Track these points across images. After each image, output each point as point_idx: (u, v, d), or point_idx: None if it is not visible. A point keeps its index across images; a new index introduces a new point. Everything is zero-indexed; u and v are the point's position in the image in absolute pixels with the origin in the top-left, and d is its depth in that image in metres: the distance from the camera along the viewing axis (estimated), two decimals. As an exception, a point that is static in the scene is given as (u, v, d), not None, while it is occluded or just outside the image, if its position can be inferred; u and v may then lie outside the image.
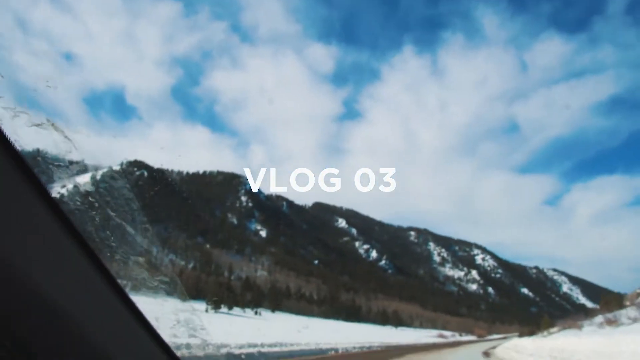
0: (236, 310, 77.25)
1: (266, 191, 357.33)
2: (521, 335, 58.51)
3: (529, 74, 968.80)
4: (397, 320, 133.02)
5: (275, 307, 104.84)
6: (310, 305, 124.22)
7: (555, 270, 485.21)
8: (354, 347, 25.68)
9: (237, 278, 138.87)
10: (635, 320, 28.47)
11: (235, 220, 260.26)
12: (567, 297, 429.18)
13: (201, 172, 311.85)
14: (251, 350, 15.31)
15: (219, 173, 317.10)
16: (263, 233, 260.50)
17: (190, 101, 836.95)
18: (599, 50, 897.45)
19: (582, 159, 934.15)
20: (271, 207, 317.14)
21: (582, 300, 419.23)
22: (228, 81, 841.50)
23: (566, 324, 41.84)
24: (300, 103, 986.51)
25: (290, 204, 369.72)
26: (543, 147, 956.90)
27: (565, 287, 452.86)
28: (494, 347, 39.52)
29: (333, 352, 21.40)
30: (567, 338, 27.35)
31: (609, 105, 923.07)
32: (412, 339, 47.72)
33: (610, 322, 31.00)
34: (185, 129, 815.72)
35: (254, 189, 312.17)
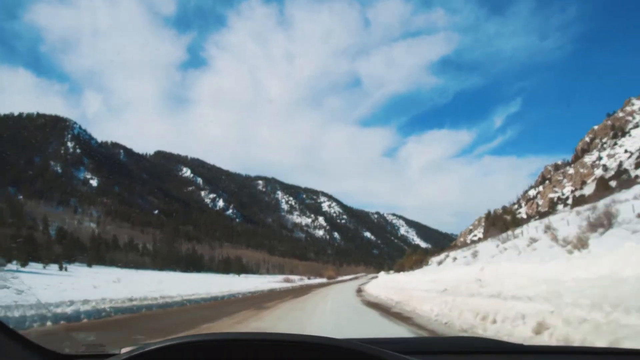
0: (33, 266, 61.75)
1: (100, 138, 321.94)
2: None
3: (371, 30, 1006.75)
4: (240, 268, 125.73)
5: (95, 261, 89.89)
6: (142, 257, 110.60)
7: (394, 214, 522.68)
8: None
9: (58, 231, 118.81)
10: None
11: (59, 169, 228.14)
12: (404, 239, 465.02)
13: (16, 114, 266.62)
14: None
15: (40, 116, 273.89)
16: (94, 182, 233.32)
17: (7, 38, 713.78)
18: (433, 12, 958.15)
19: (417, 114, 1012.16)
20: (105, 155, 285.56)
21: (417, 241, 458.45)
22: (55, 17, 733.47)
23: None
24: (140, 47, 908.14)
25: (129, 152, 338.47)
26: (383, 102, 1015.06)
27: (403, 230, 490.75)
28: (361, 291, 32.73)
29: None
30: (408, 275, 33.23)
31: (439, 66, 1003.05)
32: (251, 287, 38.73)
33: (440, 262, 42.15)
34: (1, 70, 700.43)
35: (84, 135, 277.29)
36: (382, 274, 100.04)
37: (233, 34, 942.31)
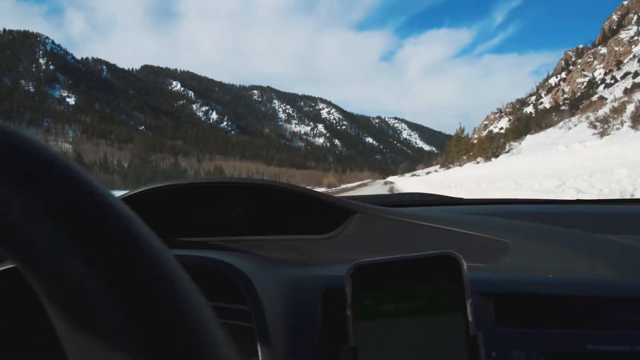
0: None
1: (80, 55, 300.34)
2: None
3: None
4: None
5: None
6: (110, 175, 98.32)
7: (396, 118, 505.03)
8: None
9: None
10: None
11: (31, 88, 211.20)
12: (407, 143, 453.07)
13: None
14: None
15: (7, 32, 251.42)
16: (71, 100, 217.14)
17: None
18: None
19: (414, 13, 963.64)
20: (84, 72, 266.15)
21: (420, 144, 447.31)
22: None
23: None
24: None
25: (113, 67, 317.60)
26: (378, 2, 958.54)
27: (405, 134, 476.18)
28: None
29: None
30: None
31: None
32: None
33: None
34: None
35: (58, 51, 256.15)
36: (395, 177, 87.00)
37: None
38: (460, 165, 34.28)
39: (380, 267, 0.55)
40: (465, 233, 0.88)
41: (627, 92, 61.23)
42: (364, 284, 0.54)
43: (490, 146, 25.43)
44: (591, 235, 0.91)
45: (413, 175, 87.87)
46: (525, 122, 26.48)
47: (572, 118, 33.90)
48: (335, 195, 1.02)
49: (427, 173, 67.11)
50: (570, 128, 27.25)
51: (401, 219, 0.94)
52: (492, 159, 23.46)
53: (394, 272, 0.52)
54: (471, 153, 41.73)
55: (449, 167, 42.68)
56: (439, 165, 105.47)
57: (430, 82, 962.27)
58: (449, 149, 54.75)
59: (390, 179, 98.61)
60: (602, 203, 1.35)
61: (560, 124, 32.01)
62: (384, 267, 0.53)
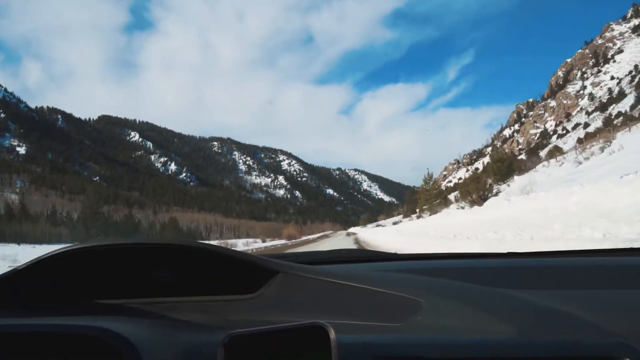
0: None
1: (35, 104, 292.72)
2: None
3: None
4: (177, 233, 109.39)
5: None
6: (56, 228, 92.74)
7: (356, 170, 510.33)
8: None
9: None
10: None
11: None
12: (367, 194, 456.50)
13: None
14: None
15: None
16: (21, 150, 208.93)
17: None
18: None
19: (372, 69, 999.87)
20: (38, 120, 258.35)
21: (381, 195, 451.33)
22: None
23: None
24: (78, 9, 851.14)
25: (68, 117, 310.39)
26: (337, 58, 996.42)
27: (365, 185, 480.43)
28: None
29: None
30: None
31: (392, 18, 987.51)
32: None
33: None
34: None
35: (10, 98, 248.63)
36: (357, 229, 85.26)
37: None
38: (435, 213, 32.95)
39: (254, 337, 0.60)
40: (382, 292, 0.87)
41: (580, 141, 63.43)
42: (239, 355, 0.58)
43: (476, 188, 23.64)
44: (497, 291, 0.92)
45: (378, 226, 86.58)
46: (509, 162, 25.08)
47: (550, 160, 33.68)
48: (259, 255, 1.04)
49: (394, 223, 66.00)
50: (550, 175, 26.45)
51: (323, 278, 0.94)
52: (479, 203, 21.87)
53: (269, 342, 0.54)
54: (438, 200, 40.61)
55: (421, 216, 41.22)
56: (402, 216, 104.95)
57: (388, 134, 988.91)
58: (418, 196, 53.63)
59: (352, 230, 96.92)
60: (522, 256, 1.38)
61: (538, 166, 31.65)
62: (259, 337, 0.55)
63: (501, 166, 23.99)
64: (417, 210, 50.68)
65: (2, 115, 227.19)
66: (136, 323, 0.80)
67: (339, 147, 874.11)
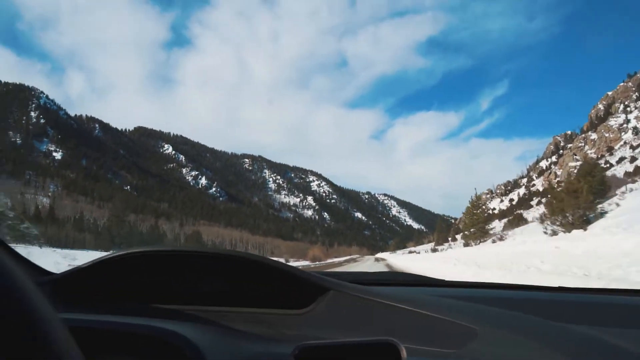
0: None
1: (75, 112, 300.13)
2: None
3: (357, 9, 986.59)
4: (198, 244, 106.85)
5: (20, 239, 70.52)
6: (81, 233, 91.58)
7: (385, 195, 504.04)
8: None
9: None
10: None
11: (19, 140, 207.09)
12: (396, 220, 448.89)
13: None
14: None
15: (2, 84, 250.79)
16: (57, 155, 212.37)
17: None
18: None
19: (404, 95, 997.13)
20: (75, 128, 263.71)
21: (409, 221, 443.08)
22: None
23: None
24: (122, 24, 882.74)
25: (106, 126, 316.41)
26: (370, 83, 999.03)
27: (394, 211, 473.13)
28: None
29: None
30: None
31: (427, 46, 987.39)
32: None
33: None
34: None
35: (51, 105, 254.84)
36: (386, 254, 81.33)
37: (217, 11, 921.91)
38: (482, 242, 28.92)
39: (324, 350, 0.61)
40: (436, 317, 0.87)
41: (629, 175, 59.20)
42: None
43: (576, 205, 18.62)
44: (552, 324, 0.91)
45: (410, 252, 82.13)
46: (600, 178, 20.31)
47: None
48: (311, 271, 1.02)
49: (433, 250, 61.87)
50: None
51: (375, 299, 0.95)
52: (577, 228, 17.50)
53: (338, 355, 0.55)
54: (481, 225, 35.35)
55: (469, 244, 36.02)
56: (432, 244, 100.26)
57: (419, 161, 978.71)
58: (463, 220, 48.84)
59: (380, 255, 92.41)
60: (580, 292, 1.33)
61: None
62: (328, 350, 0.55)
63: (592, 181, 19.50)
64: (455, 236, 46.27)
65: (42, 121, 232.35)
66: (196, 328, 0.82)
67: (369, 171, 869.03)
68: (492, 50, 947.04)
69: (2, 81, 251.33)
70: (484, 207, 40.78)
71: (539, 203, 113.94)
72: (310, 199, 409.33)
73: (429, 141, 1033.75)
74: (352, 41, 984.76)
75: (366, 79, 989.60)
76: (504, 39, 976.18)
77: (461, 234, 49.35)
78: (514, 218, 55.82)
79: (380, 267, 24.04)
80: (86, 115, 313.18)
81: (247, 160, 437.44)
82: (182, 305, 1.03)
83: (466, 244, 37.95)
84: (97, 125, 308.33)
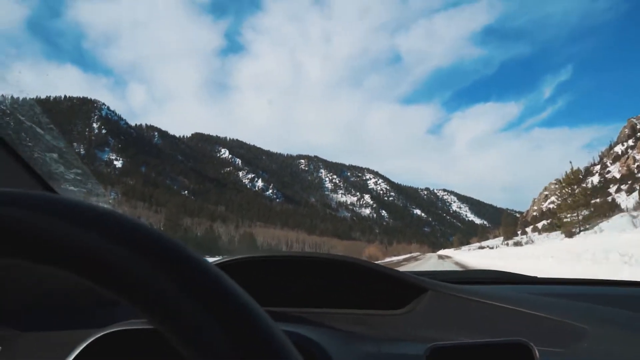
0: None
1: (135, 122, 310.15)
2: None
3: (409, 3, 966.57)
4: (251, 246, 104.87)
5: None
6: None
7: (445, 190, 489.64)
8: None
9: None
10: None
11: (82, 150, 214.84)
12: (457, 215, 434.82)
13: (43, 97, 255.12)
14: None
15: (68, 99, 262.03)
16: (118, 163, 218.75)
17: (52, 36, 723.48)
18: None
19: (461, 88, 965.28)
20: (135, 137, 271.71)
21: (471, 217, 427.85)
22: (95, 12, 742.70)
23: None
24: (178, 36, 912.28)
25: (164, 134, 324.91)
26: (425, 77, 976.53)
27: (455, 206, 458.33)
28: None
29: None
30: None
31: (483, 35, 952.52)
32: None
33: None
34: (51, 69, 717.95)
35: (112, 116, 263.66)
36: (449, 251, 76.93)
37: (269, 16, 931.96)
38: (586, 228, 23.08)
39: (455, 351, 0.62)
40: (541, 316, 0.85)
41: None
42: None
43: None
44: None
45: (480, 248, 75.64)
46: None
47: None
48: (405, 271, 1.03)
49: (516, 243, 56.08)
50: None
51: (474, 298, 0.93)
52: None
53: (468, 356, 0.55)
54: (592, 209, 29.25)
55: (575, 233, 29.30)
56: (502, 238, 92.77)
57: (478, 154, 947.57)
58: (559, 204, 42.17)
59: (443, 252, 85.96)
60: None
61: None
62: (460, 351, 0.56)
63: None
64: (525, 229, 40.05)
65: (104, 131, 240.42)
66: (316, 332, 0.81)
67: (426, 167, 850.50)
68: (553, 34, 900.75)
69: (67, 96, 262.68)
70: (584, 184, 33.83)
71: (618, 190, 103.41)
72: (367, 197, 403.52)
73: (488, 133, 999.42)
74: (405, 36, 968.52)
75: (421, 73, 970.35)
76: (566, 22, 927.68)
77: (531, 226, 43.06)
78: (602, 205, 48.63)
79: (449, 267, 21.92)
80: (146, 124, 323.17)
81: (302, 161, 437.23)
82: (287, 307, 1.04)
83: (569, 235, 31.36)
84: (156, 133, 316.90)
